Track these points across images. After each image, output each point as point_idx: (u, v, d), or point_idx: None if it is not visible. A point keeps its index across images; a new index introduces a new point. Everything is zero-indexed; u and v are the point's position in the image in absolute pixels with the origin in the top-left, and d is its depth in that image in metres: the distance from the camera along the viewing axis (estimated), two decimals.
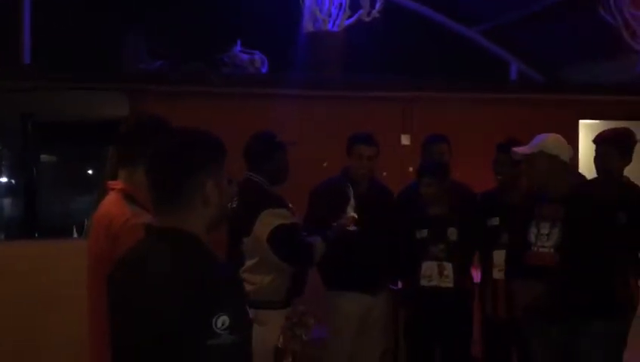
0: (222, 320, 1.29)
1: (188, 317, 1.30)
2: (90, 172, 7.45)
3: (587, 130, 5.48)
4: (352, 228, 3.34)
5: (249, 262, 3.01)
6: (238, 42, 5.11)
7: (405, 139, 5.14)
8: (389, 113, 5.15)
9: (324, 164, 4.74)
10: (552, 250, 2.91)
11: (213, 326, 1.28)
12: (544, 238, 2.94)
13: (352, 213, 3.35)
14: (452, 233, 3.52)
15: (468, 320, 3.65)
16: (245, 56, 5.04)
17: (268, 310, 2.92)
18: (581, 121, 5.66)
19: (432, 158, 3.87)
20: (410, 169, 4.72)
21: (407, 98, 5.22)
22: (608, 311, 2.90)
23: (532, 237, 2.99)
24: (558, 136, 3.09)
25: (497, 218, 3.66)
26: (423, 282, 3.50)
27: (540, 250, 2.94)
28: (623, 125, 5.72)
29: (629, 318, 3.29)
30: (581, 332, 2.89)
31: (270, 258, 2.99)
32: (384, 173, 4.25)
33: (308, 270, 3.25)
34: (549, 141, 3.02)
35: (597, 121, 5.81)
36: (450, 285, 3.48)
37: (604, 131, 3.60)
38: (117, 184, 2.15)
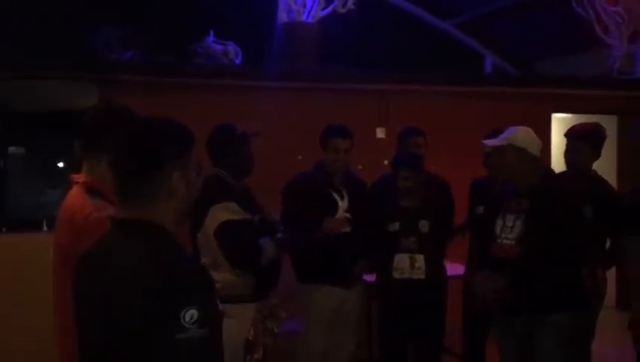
0: (190, 314, 1.27)
1: (156, 311, 1.27)
2: (60, 164, 7.31)
3: (560, 124, 5.53)
4: (347, 229, 3.36)
5: (204, 259, 2.91)
6: (211, 33, 5.03)
7: (380, 132, 5.14)
8: (364, 106, 5.13)
9: (299, 157, 4.71)
10: (513, 242, 2.93)
11: (182, 320, 1.26)
12: (508, 230, 2.96)
13: (344, 214, 3.35)
14: (424, 225, 3.52)
15: (440, 312, 3.66)
16: (219, 47, 4.98)
17: (237, 304, 2.83)
18: (554, 115, 5.72)
19: (407, 151, 3.87)
20: (386, 162, 4.71)
21: (382, 91, 5.21)
22: (569, 303, 2.92)
23: (497, 230, 3.01)
24: (528, 129, 3.08)
25: (482, 207, 3.69)
26: (395, 274, 3.50)
27: (504, 241, 2.97)
28: (595, 119, 5.82)
29: (595, 309, 3.33)
30: (542, 324, 2.91)
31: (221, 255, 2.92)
32: (359, 167, 4.24)
33: (278, 264, 3.17)
34: (518, 134, 3.01)
35: (570, 115, 5.88)
36: (422, 277, 3.49)
37: (575, 126, 3.62)
38: (80, 177, 2.10)
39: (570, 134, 3.52)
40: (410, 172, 3.53)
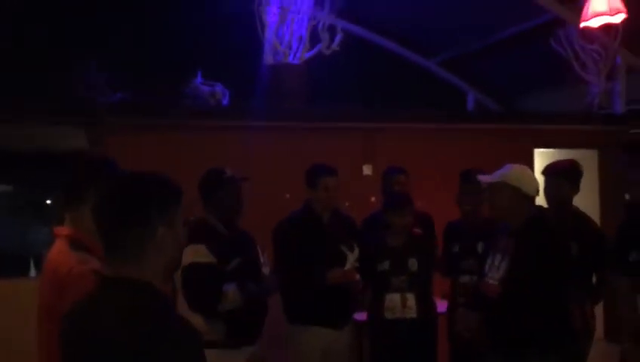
0: None
1: None
2: (48, 202, 7.30)
3: (543, 159, 5.62)
4: (357, 277, 3.39)
5: (181, 299, 2.92)
6: (199, 74, 5.10)
7: (367, 169, 5.19)
8: (351, 143, 5.20)
9: (287, 195, 4.75)
10: (497, 283, 2.89)
11: None
12: (495, 270, 2.93)
13: (352, 264, 3.38)
14: (413, 263, 3.54)
15: (433, 349, 3.66)
16: (206, 88, 5.04)
17: (208, 349, 2.82)
18: (536, 150, 5.82)
19: (392, 189, 3.93)
20: (373, 199, 4.76)
21: (368, 128, 5.29)
22: (551, 346, 2.83)
23: (486, 268, 3.00)
24: (524, 167, 3.02)
25: (457, 245, 3.75)
26: (387, 315, 3.50)
27: (490, 281, 2.95)
28: (576, 153, 5.93)
29: (585, 347, 3.33)
30: None
31: None
32: (347, 203, 4.27)
33: (259, 310, 3.14)
34: (512, 172, 2.96)
35: (552, 150, 5.99)
36: (414, 316, 3.49)
37: (551, 163, 3.67)
38: (62, 230, 2.07)
39: (549, 172, 3.57)
40: (410, 209, 3.58)
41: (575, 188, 3.54)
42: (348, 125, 5.24)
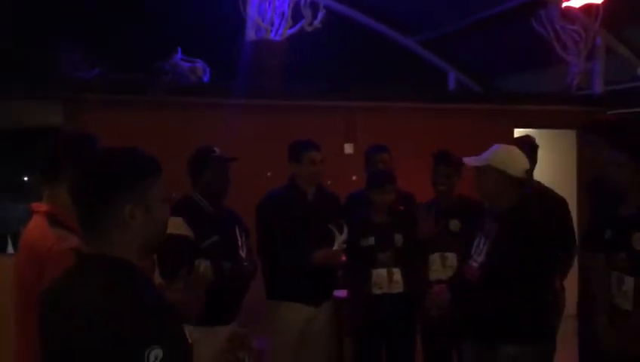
0: (155, 354, 1.24)
1: (118, 352, 1.24)
2: (25, 179, 7.22)
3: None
4: (343, 259, 3.44)
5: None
6: (179, 50, 5.03)
7: (348, 148, 5.19)
8: (332, 122, 5.19)
9: (268, 173, 4.73)
10: (477, 266, 2.88)
11: (146, 360, 1.23)
12: (478, 253, 2.90)
13: (340, 245, 3.39)
14: (398, 239, 3.57)
15: (414, 323, 3.70)
16: (186, 65, 4.97)
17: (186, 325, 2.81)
18: (516, 130, 5.87)
19: (375, 167, 3.94)
20: (354, 177, 4.76)
21: (349, 107, 5.28)
22: (525, 335, 2.82)
23: (472, 250, 2.96)
24: (510, 148, 2.96)
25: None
26: (375, 290, 3.52)
27: (472, 264, 2.92)
28: (555, 133, 5.99)
29: (554, 320, 3.38)
30: (497, 354, 2.84)
31: None
32: (328, 182, 4.27)
33: (237, 287, 3.13)
34: (498, 154, 2.89)
35: (531, 130, 6.04)
36: (401, 290, 3.53)
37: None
38: (40, 206, 2.06)
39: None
40: (392, 186, 3.60)
41: (532, 163, 3.57)
42: (329, 104, 5.22)
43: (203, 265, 2.94)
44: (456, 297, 3.05)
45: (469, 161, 2.99)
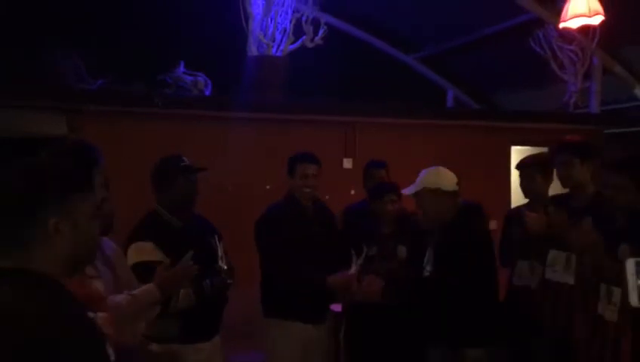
0: None
1: None
2: None
3: (520, 155, 5.72)
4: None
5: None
6: (182, 63, 5.09)
7: (347, 163, 5.24)
8: (332, 137, 5.24)
9: (267, 187, 4.78)
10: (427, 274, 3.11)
11: None
12: (428, 265, 3.13)
13: (357, 268, 3.31)
14: (401, 251, 3.58)
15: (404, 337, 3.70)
16: (189, 78, 5.03)
17: (163, 344, 2.76)
18: (513, 147, 5.93)
19: (373, 182, 4.01)
20: (352, 192, 4.81)
21: (349, 122, 5.34)
22: (483, 338, 3.02)
23: (425, 261, 3.17)
24: (439, 167, 3.17)
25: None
26: (357, 297, 3.44)
27: (425, 274, 3.14)
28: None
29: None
30: (459, 359, 3.02)
31: None
32: (327, 197, 4.31)
33: (216, 306, 3.04)
34: (429, 176, 3.12)
35: (528, 147, 6.10)
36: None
37: (525, 157, 3.79)
38: None
39: (522, 165, 3.68)
40: (396, 196, 3.64)
41: (549, 180, 3.64)
42: (329, 118, 5.28)
43: (183, 291, 2.82)
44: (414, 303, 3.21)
45: (407, 191, 3.20)
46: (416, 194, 3.12)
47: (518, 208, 3.85)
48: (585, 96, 6.51)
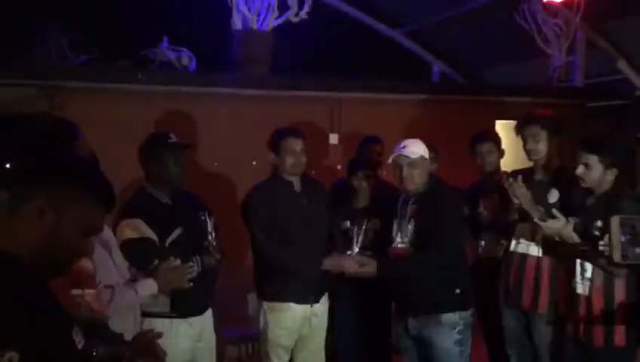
0: (8, 357, 1.14)
1: None
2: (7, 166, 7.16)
3: (504, 130, 5.76)
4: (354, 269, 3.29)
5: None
6: (165, 39, 5.03)
7: (333, 138, 5.24)
8: (318, 113, 5.23)
9: (253, 163, 4.77)
10: (408, 245, 3.20)
11: None
12: (402, 235, 3.22)
13: (356, 251, 3.32)
14: (375, 223, 3.58)
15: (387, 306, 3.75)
16: (173, 53, 4.97)
17: (155, 318, 2.80)
18: (497, 121, 5.95)
19: (367, 157, 4.06)
20: (339, 167, 4.83)
21: (334, 98, 5.32)
22: (458, 303, 3.19)
23: (394, 235, 3.26)
24: (415, 139, 3.31)
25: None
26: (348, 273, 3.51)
27: (399, 245, 3.23)
28: None
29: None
30: (436, 324, 3.16)
31: None
32: (313, 172, 4.32)
33: (206, 282, 3.01)
34: (418, 145, 3.23)
35: (512, 121, 6.13)
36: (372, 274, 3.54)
37: (480, 133, 4.03)
38: None
39: (480, 139, 3.93)
40: (368, 172, 3.72)
41: (502, 154, 3.98)
42: (315, 94, 5.26)
43: (173, 264, 2.80)
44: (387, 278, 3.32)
45: (409, 153, 3.21)
46: (412, 163, 3.19)
47: (475, 185, 4.02)
48: (568, 70, 6.54)
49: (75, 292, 2.02)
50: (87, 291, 1.98)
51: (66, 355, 1.29)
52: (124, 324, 2.36)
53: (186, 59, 4.96)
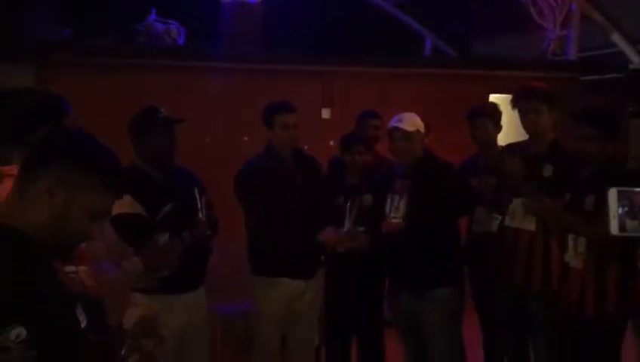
0: (16, 333, 1.16)
1: None
2: None
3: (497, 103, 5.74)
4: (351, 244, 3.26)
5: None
6: (153, 11, 4.93)
7: (326, 113, 5.19)
8: (309, 87, 5.17)
9: (245, 138, 4.73)
10: (401, 220, 3.18)
11: (5, 339, 1.15)
12: (395, 210, 3.21)
13: (349, 226, 3.26)
14: (367, 199, 3.56)
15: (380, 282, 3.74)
16: (161, 26, 4.88)
17: (141, 293, 2.73)
18: (491, 95, 5.92)
19: (364, 132, 4.00)
20: (331, 142, 4.78)
21: (326, 72, 5.26)
22: (451, 278, 3.21)
23: (387, 209, 3.24)
24: (411, 113, 3.30)
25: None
26: (339, 248, 3.41)
27: (393, 220, 3.21)
28: None
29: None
30: (428, 298, 3.17)
31: None
32: (305, 147, 4.28)
33: (190, 258, 2.92)
34: (415, 119, 3.22)
35: (506, 95, 6.10)
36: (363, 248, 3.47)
37: (476, 106, 3.91)
38: (11, 170, 1.92)
39: (476, 114, 3.81)
40: (362, 148, 3.63)
41: (499, 128, 3.83)
42: (306, 68, 5.20)
43: (162, 242, 2.82)
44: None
45: (405, 126, 3.20)
46: (409, 136, 3.18)
47: (471, 159, 3.94)
48: (563, 43, 6.49)
49: (69, 268, 2.00)
50: (81, 268, 1.95)
51: (70, 333, 1.30)
52: (114, 299, 2.34)
53: (175, 32, 4.88)
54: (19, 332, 1.16)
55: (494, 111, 3.84)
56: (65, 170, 1.32)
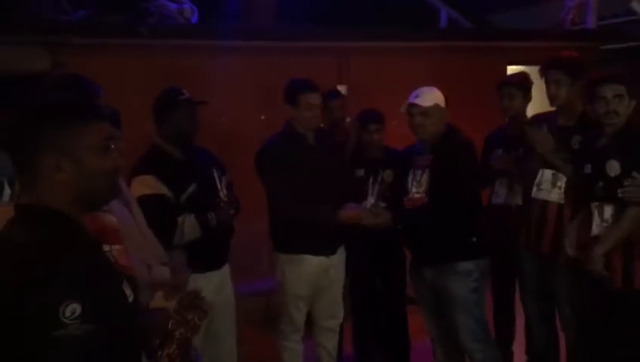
0: (71, 309, 1.18)
1: (29, 305, 1.17)
2: None
3: None
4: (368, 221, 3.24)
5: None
6: None
7: (342, 90, 5.13)
8: (325, 63, 5.11)
9: (262, 117, 4.70)
10: (424, 195, 3.17)
11: (60, 316, 1.17)
12: (417, 185, 3.20)
13: (373, 202, 3.27)
14: (388, 175, 3.58)
15: (402, 258, 3.75)
16: (174, 6, 4.84)
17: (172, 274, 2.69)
18: (509, 67, 5.82)
19: (330, 114, 3.99)
20: (348, 119, 4.74)
21: (341, 48, 5.19)
22: (473, 251, 3.18)
23: (409, 185, 3.22)
24: (431, 87, 3.25)
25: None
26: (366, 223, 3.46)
27: (415, 195, 3.20)
28: None
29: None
30: (452, 272, 3.16)
31: None
32: (321, 124, 4.25)
33: (214, 237, 3.02)
34: (437, 94, 3.17)
35: (525, 67, 5.99)
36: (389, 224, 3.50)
37: (508, 76, 3.89)
38: None
39: (505, 83, 3.74)
40: (379, 125, 3.68)
41: (528, 99, 3.74)
42: (321, 44, 5.13)
43: (187, 223, 2.89)
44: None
45: (422, 102, 3.15)
46: (428, 111, 3.14)
47: (500, 128, 3.86)
48: (582, 11, 6.34)
49: (104, 248, 2.02)
50: (115, 246, 1.97)
51: (120, 307, 1.33)
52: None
53: (188, 11, 4.84)
54: (73, 308, 1.18)
55: (524, 81, 3.73)
56: (50, 140, 1.31)
